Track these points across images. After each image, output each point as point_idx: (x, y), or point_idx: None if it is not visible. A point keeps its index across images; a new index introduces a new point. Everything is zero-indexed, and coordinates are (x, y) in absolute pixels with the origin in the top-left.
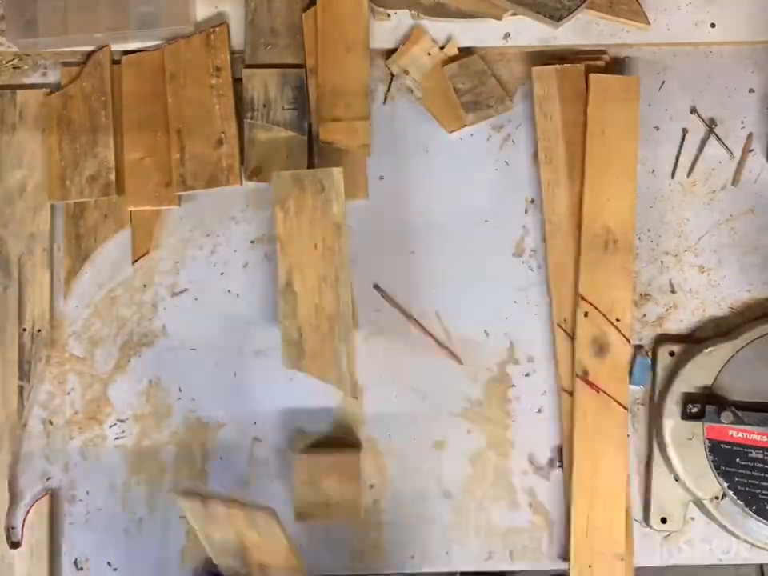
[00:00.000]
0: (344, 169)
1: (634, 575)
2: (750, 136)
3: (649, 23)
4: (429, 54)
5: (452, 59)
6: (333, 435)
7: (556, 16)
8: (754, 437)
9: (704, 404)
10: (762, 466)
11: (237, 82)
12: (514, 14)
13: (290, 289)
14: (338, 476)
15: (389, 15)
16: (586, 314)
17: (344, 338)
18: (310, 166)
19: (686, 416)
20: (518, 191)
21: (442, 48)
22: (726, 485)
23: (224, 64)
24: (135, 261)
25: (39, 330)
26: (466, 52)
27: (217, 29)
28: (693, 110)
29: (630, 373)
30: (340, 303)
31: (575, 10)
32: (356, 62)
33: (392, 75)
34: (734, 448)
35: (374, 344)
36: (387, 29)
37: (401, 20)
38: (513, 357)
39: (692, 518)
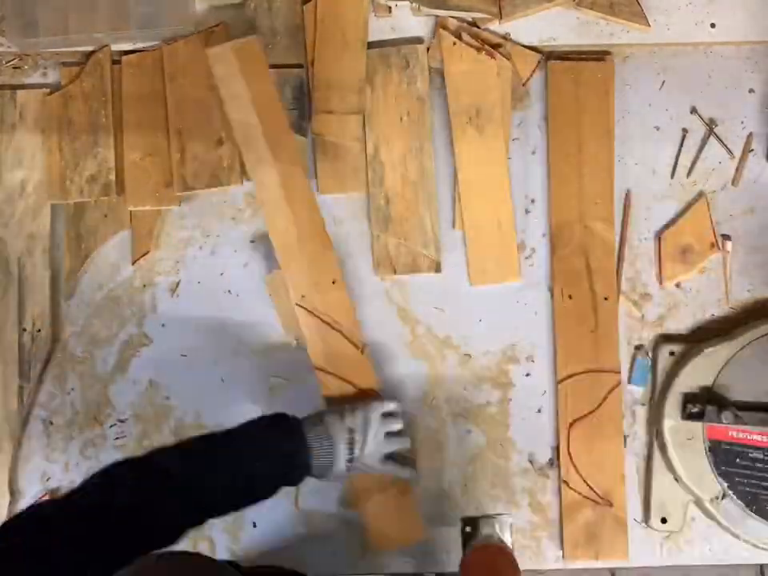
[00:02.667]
0: (341, 162)
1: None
2: (750, 136)
3: (649, 25)
4: None
5: None
6: None
7: None
8: (754, 437)
9: (704, 404)
10: (762, 466)
11: None
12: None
13: (377, 159)
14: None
15: (390, 10)
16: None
17: (428, 204)
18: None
19: (686, 416)
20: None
21: None
22: (726, 485)
23: None
24: (135, 261)
25: (39, 330)
26: None
27: (216, 29)
28: (693, 110)
29: (630, 373)
30: (424, 172)
31: None
32: (353, 56)
33: None
34: (734, 448)
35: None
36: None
37: (400, 16)
38: (513, 357)
39: (692, 518)
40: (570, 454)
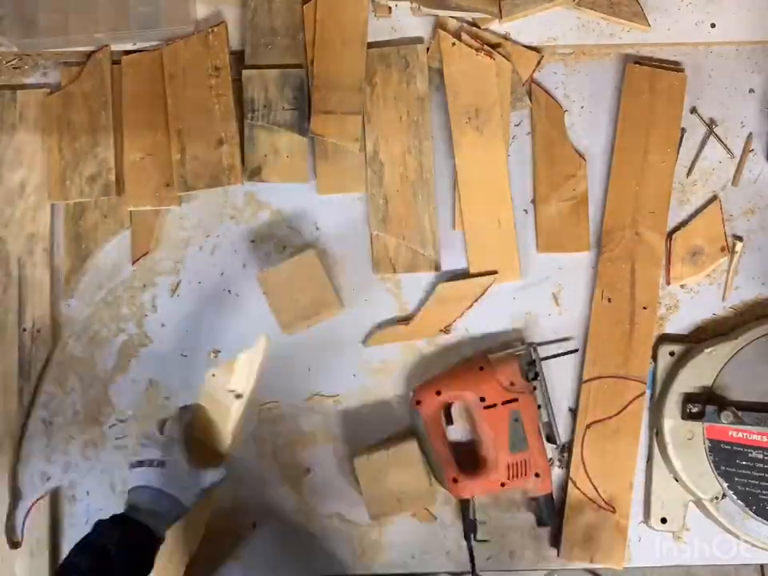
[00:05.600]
0: (340, 162)
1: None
2: (749, 136)
3: (649, 25)
4: None
5: None
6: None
7: None
8: (754, 437)
9: (704, 404)
10: (762, 466)
11: (236, 81)
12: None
13: (376, 159)
14: (400, 467)
15: (389, 10)
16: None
17: (427, 204)
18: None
19: (686, 416)
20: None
21: None
22: (725, 485)
23: (223, 64)
24: (135, 261)
25: (39, 330)
26: None
27: (215, 29)
28: (693, 110)
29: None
30: (423, 171)
31: None
32: (352, 56)
33: None
34: (734, 448)
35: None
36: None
37: (400, 16)
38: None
39: (692, 518)
40: (582, 454)
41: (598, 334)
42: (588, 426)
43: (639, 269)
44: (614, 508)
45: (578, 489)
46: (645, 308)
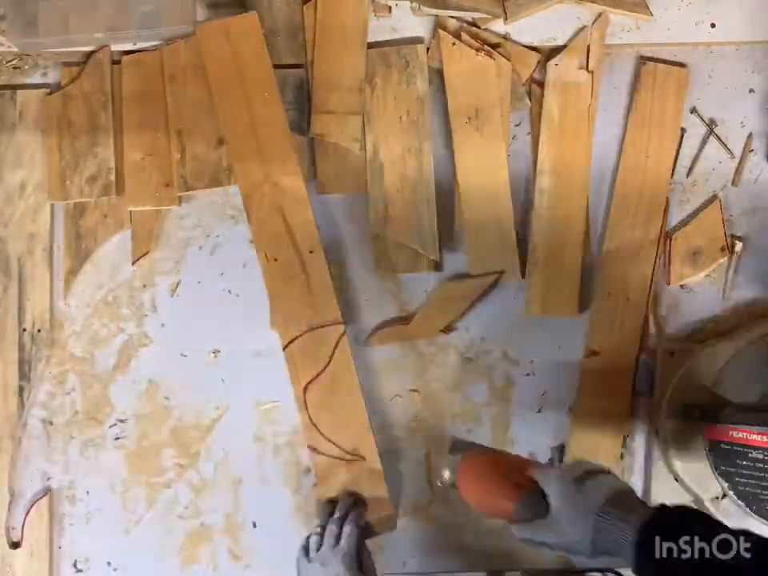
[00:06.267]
0: (340, 162)
1: None
2: (750, 136)
3: (651, 15)
4: None
5: None
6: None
7: None
8: (754, 437)
9: (704, 404)
10: (762, 466)
11: None
12: None
13: (376, 159)
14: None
15: (390, 10)
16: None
17: (427, 204)
18: (311, 164)
19: (686, 416)
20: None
21: None
22: (726, 485)
23: None
24: (135, 261)
25: (39, 330)
26: None
27: None
28: (693, 110)
29: (635, 379)
30: (423, 171)
31: None
32: (352, 56)
33: None
34: (734, 448)
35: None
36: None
37: (400, 16)
38: (513, 357)
39: None
40: (310, 419)
41: (275, 296)
42: (305, 389)
43: (289, 218)
44: (362, 456)
45: (322, 454)
46: (311, 252)
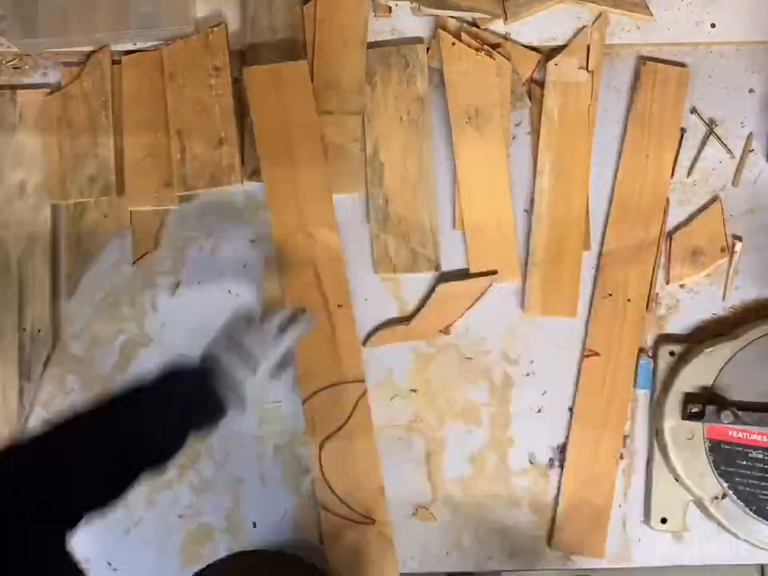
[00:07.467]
0: (340, 162)
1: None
2: (750, 136)
3: (651, 15)
4: None
5: None
6: None
7: None
8: (754, 437)
9: (704, 404)
10: (762, 466)
11: (236, 81)
12: None
13: (376, 159)
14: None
15: (390, 10)
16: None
17: (427, 204)
18: None
19: (686, 416)
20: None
21: None
22: (726, 485)
23: (223, 64)
24: (135, 261)
25: (39, 330)
26: None
27: (215, 29)
28: (693, 110)
29: (635, 377)
30: (423, 171)
31: None
32: (352, 56)
33: None
34: (734, 448)
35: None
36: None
37: (400, 16)
38: (513, 357)
39: (692, 518)
40: (324, 476)
41: (301, 349)
42: (321, 445)
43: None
44: (372, 519)
45: (331, 512)
46: (339, 306)
